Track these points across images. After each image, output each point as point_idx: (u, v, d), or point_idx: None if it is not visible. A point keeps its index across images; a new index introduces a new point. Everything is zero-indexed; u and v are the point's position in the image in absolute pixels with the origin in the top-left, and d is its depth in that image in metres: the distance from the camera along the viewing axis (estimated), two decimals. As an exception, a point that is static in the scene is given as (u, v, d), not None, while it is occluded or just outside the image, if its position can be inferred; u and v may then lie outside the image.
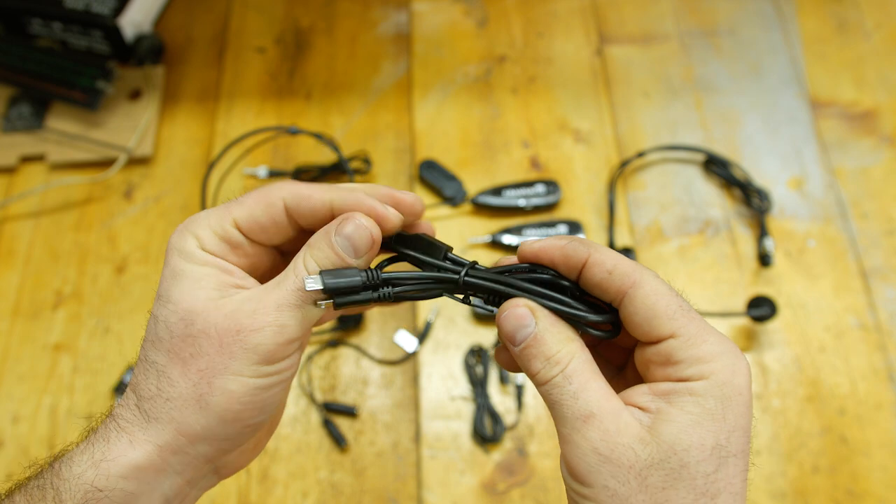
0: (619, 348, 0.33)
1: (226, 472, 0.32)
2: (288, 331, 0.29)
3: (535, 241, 0.32)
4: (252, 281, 0.31)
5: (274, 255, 0.33)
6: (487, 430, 0.61)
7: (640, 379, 0.30)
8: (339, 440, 0.61)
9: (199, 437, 0.28)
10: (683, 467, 0.26)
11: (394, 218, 0.32)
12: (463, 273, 0.31)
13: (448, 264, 0.32)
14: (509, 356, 0.32)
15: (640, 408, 0.28)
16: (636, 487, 0.26)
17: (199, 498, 0.31)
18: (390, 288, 0.31)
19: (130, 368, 0.64)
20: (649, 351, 0.29)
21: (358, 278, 0.30)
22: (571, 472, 0.28)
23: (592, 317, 0.30)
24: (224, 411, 0.28)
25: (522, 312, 0.30)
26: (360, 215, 0.30)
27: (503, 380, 0.63)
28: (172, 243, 0.30)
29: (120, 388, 0.63)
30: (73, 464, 0.28)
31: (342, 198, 0.31)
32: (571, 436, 0.27)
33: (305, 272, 0.29)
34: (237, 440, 0.29)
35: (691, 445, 0.27)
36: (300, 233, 0.32)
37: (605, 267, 0.29)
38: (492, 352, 0.63)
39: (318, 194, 0.31)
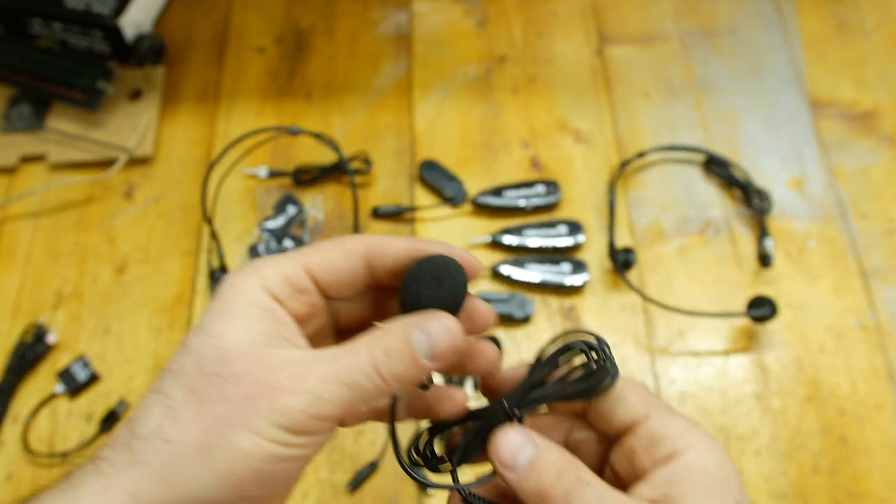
0: (591, 458, 0.33)
1: None
2: (325, 406, 0.25)
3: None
4: (303, 341, 0.28)
5: (329, 320, 0.31)
6: None
7: (620, 485, 0.30)
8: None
9: (188, 497, 0.24)
10: None
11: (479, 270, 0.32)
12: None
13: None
14: None
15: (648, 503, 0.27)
16: None
17: None
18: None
19: (121, 401, 0.63)
20: (630, 440, 0.29)
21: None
22: None
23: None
24: (226, 471, 0.24)
25: (516, 436, 0.29)
26: (448, 316, 0.28)
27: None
28: (231, 277, 0.28)
29: (63, 374, 0.63)
30: None
31: (424, 245, 0.30)
32: None
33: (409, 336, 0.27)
34: None
35: None
36: (372, 290, 0.31)
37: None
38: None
39: (399, 241, 0.29)
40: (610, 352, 0.28)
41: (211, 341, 0.26)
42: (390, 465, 0.60)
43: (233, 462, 0.24)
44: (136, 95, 0.77)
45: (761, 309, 0.63)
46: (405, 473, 0.30)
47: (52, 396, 0.64)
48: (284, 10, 0.84)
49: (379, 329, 0.27)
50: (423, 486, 0.31)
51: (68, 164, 0.74)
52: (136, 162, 0.74)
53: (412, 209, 0.71)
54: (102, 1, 0.76)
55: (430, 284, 0.28)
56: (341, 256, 0.29)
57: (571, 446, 0.31)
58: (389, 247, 0.29)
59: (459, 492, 0.31)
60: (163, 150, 0.75)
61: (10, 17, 0.78)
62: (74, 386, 0.63)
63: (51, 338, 0.65)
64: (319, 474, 0.60)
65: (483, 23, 0.83)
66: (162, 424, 0.25)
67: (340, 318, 0.32)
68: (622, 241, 0.70)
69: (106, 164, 0.73)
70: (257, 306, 0.27)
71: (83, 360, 0.64)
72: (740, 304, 0.66)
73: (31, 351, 0.64)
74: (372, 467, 0.60)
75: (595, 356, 0.29)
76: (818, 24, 0.82)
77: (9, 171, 0.74)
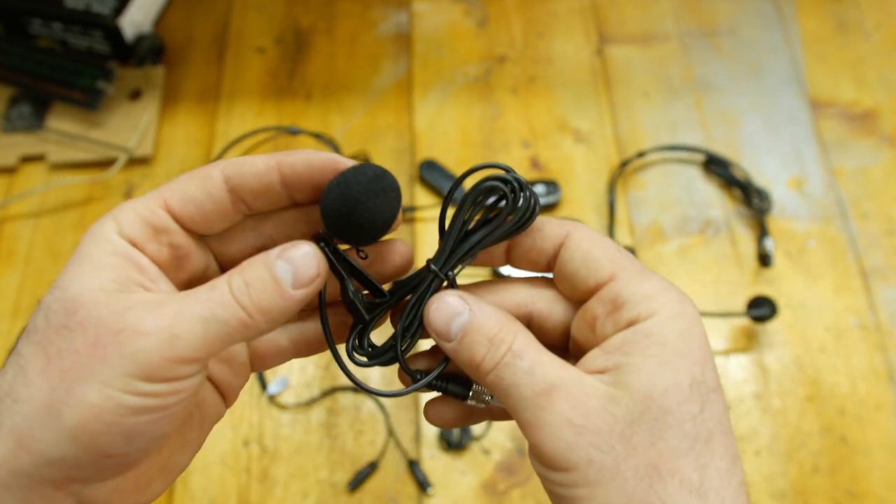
0: (557, 331, 0.30)
1: None
2: (181, 344, 0.23)
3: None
4: (166, 286, 0.26)
5: (208, 259, 0.28)
6: (454, 436, 0.61)
7: (580, 356, 0.27)
8: (423, 485, 0.59)
9: (44, 457, 0.22)
10: (667, 413, 0.23)
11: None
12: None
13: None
14: (444, 407, 0.30)
15: (597, 372, 0.25)
16: (623, 452, 0.23)
17: None
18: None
19: None
20: (592, 304, 0.27)
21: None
22: (547, 460, 0.24)
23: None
24: (77, 428, 0.22)
25: (452, 300, 0.26)
26: (308, 244, 0.26)
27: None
28: (91, 226, 0.25)
29: None
30: None
31: (290, 158, 0.26)
32: (537, 416, 0.24)
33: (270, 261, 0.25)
34: (93, 471, 0.23)
35: (667, 387, 0.24)
36: (246, 220, 0.28)
37: (535, 226, 0.28)
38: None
39: (258, 156, 0.26)
40: (522, 178, 0.26)
41: (58, 293, 0.24)
42: (390, 465, 0.60)
43: (84, 417, 0.22)
44: (136, 95, 0.77)
45: (761, 309, 0.63)
46: (362, 390, 0.29)
47: (52, 396, 0.63)
48: (284, 10, 0.84)
49: (237, 267, 0.25)
50: (372, 392, 0.29)
51: (68, 164, 0.74)
52: (136, 162, 0.74)
53: (412, 209, 0.71)
54: (102, 1, 0.76)
55: (368, 198, 0.26)
56: (198, 184, 0.26)
57: (537, 315, 0.29)
58: (248, 164, 0.26)
59: (430, 387, 0.29)
60: (163, 150, 0.75)
61: (10, 17, 0.78)
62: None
63: (51, 338, 0.65)
64: (319, 474, 0.60)
65: (483, 23, 0.83)
66: (13, 384, 0.23)
67: (228, 260, 0.29)
68: (622, 240, 0.70)
69: (106, 164, 0.73)
70: (111, 253, 0.25)
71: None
72: (740, 303, 0.66)
73: (31, 351, 0.64)
74: (372, 467, 0.60)
75: (509, 188, 0.26)
76: (818, 24, 0.82)
77: (9, 171, 0.74)
